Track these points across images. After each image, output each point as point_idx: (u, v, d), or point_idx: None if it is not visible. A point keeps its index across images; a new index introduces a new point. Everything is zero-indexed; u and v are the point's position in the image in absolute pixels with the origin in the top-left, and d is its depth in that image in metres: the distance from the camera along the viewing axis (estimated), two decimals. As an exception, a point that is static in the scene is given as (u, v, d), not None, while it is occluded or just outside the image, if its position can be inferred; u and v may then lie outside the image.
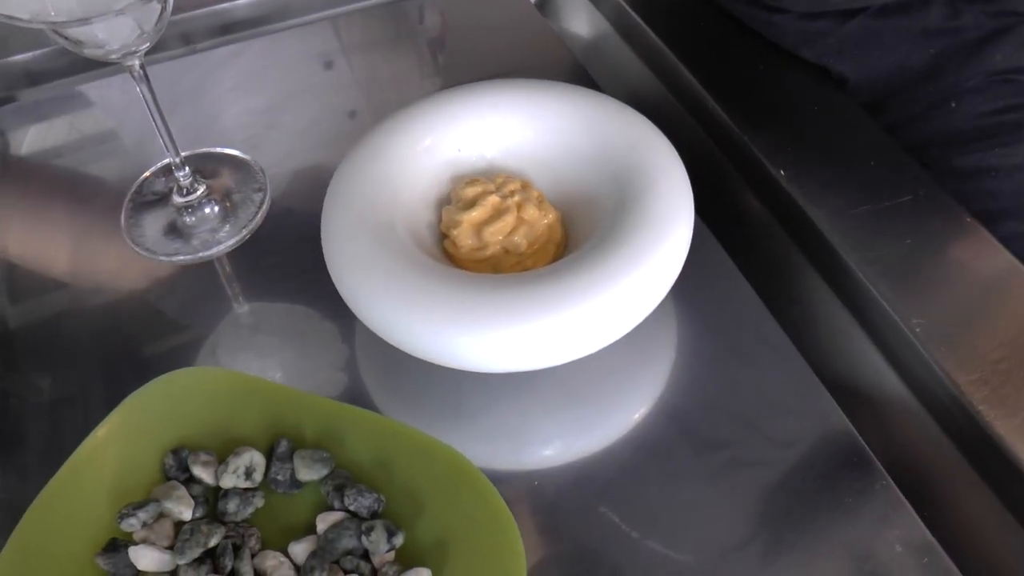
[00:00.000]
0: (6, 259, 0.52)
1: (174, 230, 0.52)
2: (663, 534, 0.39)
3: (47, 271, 0.51)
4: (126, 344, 0.47)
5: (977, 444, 0.41)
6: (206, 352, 0.46)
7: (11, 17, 0.37)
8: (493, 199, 0.43)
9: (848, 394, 0.45)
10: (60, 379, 0.46)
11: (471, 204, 0.43)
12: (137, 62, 0.44)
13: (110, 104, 0.61)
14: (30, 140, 0.59)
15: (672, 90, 0.62)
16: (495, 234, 0.42)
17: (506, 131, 0.47)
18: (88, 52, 0.42)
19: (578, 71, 0.62)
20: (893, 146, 0.53)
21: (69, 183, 0.56)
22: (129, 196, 0.54)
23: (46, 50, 0.66)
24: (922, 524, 0.38)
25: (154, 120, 0.48)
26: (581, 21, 0.74)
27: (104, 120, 0.60)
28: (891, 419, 0.46)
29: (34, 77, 0.67)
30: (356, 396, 0.44)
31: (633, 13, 0.66)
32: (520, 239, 0.42)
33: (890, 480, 0.40)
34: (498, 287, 0.39)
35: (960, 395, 0.41)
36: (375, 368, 0.45)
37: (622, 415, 0.44)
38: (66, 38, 0.41)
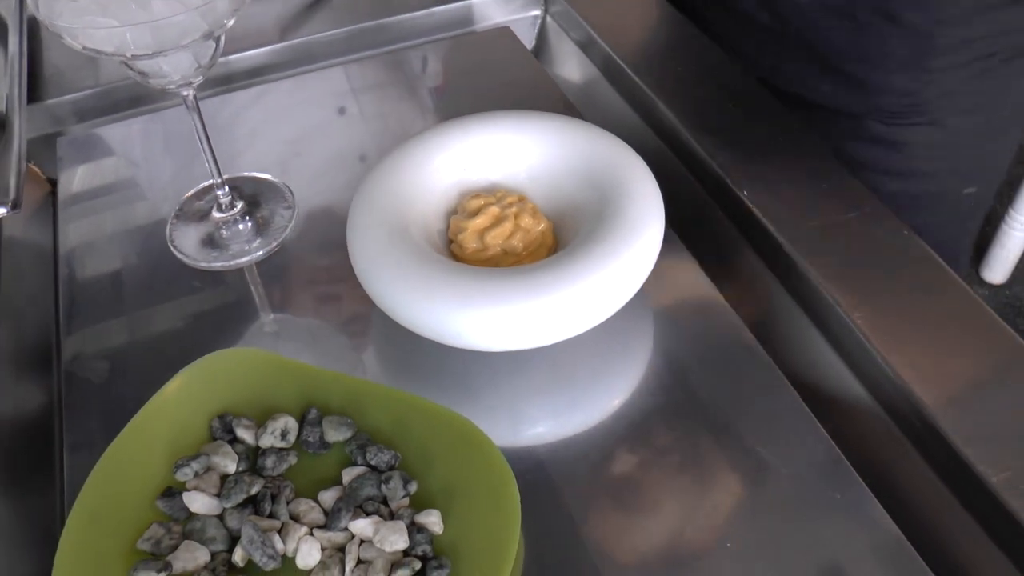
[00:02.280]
0: (69, 262, 0.59)
1: (212, 241, 0.59)
2: (634, 499, 0.45)
3: (103, 272, 0.58)
4: (172, 331, 0.54)
5: (908, 412, 0.47)
6: (244, 336, 0.53)
7: (98, 50, 0.45)
8: (494, 209, 0.50)
9: (800, 383, 0.52)
10: (117, 361, 0.52)
11: (475, 213, 0.51)
12: (191, 92, 0.52)
13: (151, 137, 0.69)
14: (83, 168, 0.66)
15: (651, 124, 0.69)
16: (495, 238, 0.50)
17: (505, 153, 0.54)
18: (153, 82, 0.50)
19: (570, 109, 0.70)
20: (843, 170, 0.60)
21: (119, 201, 0.64)
22: (174, 212, 0.61)
23: (92, 91, 0.74)
24: (889, 519, 0.44)
25: (201, 144, 0.56)
26: (572, 67, 0.82)
27: (146, 151, 0.68)
28: (840, 404, 0.52)
29: (81, 114, 0.75)
30: (374, 373, 0.51)
31: (619, 60, 0.74)
32: (517, 242, 0.50)
33: (847, 463, 0.47)
34: (495, 277, 0.46)
35: (895, 376, 0.48)
36: (390, 350, 0.52)
37: (604, 397, 0.50)
38: (137, 70, 0.48)
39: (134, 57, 0.46)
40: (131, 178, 0.66)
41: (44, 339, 0.62)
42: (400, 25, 0.80)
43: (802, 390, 0.50)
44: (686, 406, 0.49)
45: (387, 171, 0.52)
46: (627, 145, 0.53)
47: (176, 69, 0.49)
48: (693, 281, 0.56)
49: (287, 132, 0.69)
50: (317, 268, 0.58)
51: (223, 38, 0.50)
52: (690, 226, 0.60)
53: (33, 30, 0.79)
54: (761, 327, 0.54)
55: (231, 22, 0.48)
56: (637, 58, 0.73)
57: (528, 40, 0.84)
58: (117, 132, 0.70)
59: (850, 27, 0.67)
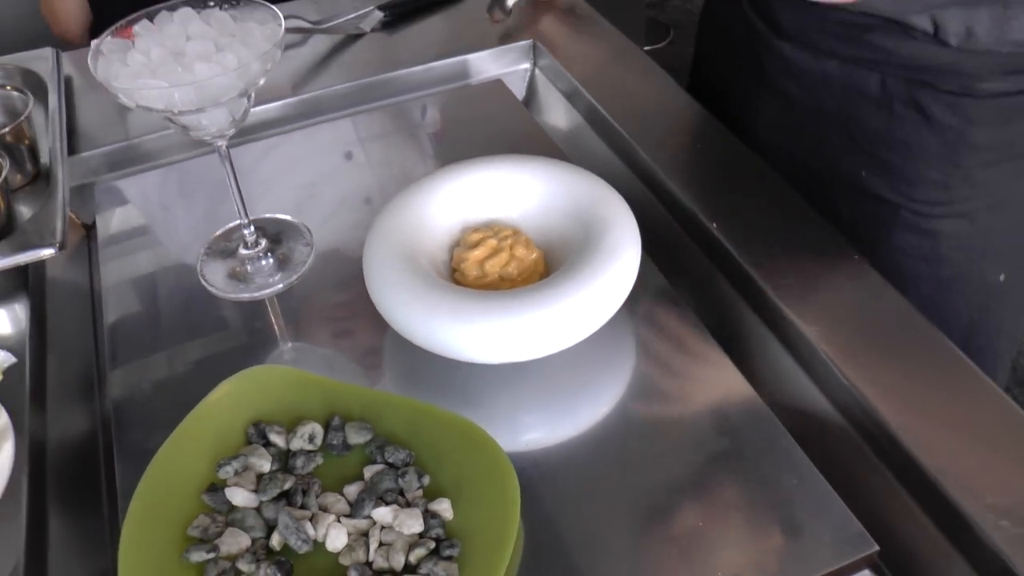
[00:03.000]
0: (111, 295, 0.66)
1: (238, 275, 0.66)
2: (618, 493, 0.52)
3: (142, 304, 0.65)
4: (205, 353, 0.61)
5: (855, 407, 0.54)
6: (270, 356, 0.60)
7: (150, 108, 0.53)
8: (491, 242, 0.58)
9: (762, 390, 0.58)
10: (158, 380, 0.59)
11: (475, 246, 0.58)
12: (224, 143, 0.59)
13: (177, 185, 0.76)
14: (119, 212, 0.74)
15: (630, 166, 0.77)
16: (494, 266, 0.57)
17: (500, 192, 0.62)
18: (192, 134, 0.57)
19: (557, 153, 0.77)
20: (801, 204, 0.68)
21: (152, 241, 0.71)
22: (203, 250, 0.68)
23: (121, 144, 0.81)
24: (847, 509, 0.50)
25: (231, 187, 0.63)
26: (559, 115, 0.90)
27: (173, 197, 0.75)
28: (797, 406, 0.59)
29: (112, 166, 0.82)
30: (387, 385, 0.58)
31: (601, 109, 0.82)
32: (512, 270, 0.57)
33: (792, 440, 0.53)
34: (494, 299, 0.53)
35: (842, 374, 0.55)
36: (401, 364, 0.59)
37: (591, 405, 0.57)
38: (180, 124, 0.56)
39: (180, 113, 0.54)
40: (162, 221, 0.73)
41: (87, 368, 0.68)
42: (402, 79, 0.88)
43: (764, 396, 0.57)
44: (663, 412, 0.56)
45: (397, 210, 0.59)
46: (608, 184, 0.61)
47: (214, 123, 0.56)
48: (669, 302, 0.63)
49: (301, 177, 0.76)
50: (333, 296, 0.65)
51: (253, 95, 0.57)
52: (666, 255, 0.67)
53: (68, 89, 0.87)
54: (729, 341, 0.61)
55: (262, 81, 0.55)
56: (618, 107, 0.81)
57: (519, 91, 0.92)
58: (147, 180, 0.77)
59: (886, 116, 0.69)
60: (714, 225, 0.66)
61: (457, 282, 0.58)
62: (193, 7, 0.58)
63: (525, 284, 0.57)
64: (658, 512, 0.50)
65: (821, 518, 0.49)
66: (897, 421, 0.52)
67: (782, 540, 0.48)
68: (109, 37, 0.56)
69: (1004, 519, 0.48)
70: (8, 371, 0.61)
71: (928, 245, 0.72)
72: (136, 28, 0.57)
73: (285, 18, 0.91)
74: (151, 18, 0.58)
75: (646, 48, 2.77)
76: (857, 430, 0.56)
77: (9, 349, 0.63)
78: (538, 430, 0.56)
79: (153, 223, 0.73)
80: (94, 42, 0.56)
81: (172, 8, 0.58)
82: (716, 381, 0.57)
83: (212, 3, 0.59)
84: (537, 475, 0.52)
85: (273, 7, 0.58)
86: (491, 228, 0.60)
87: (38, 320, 0.67)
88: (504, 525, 0.46)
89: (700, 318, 0.61)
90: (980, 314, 0.74)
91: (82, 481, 0.61)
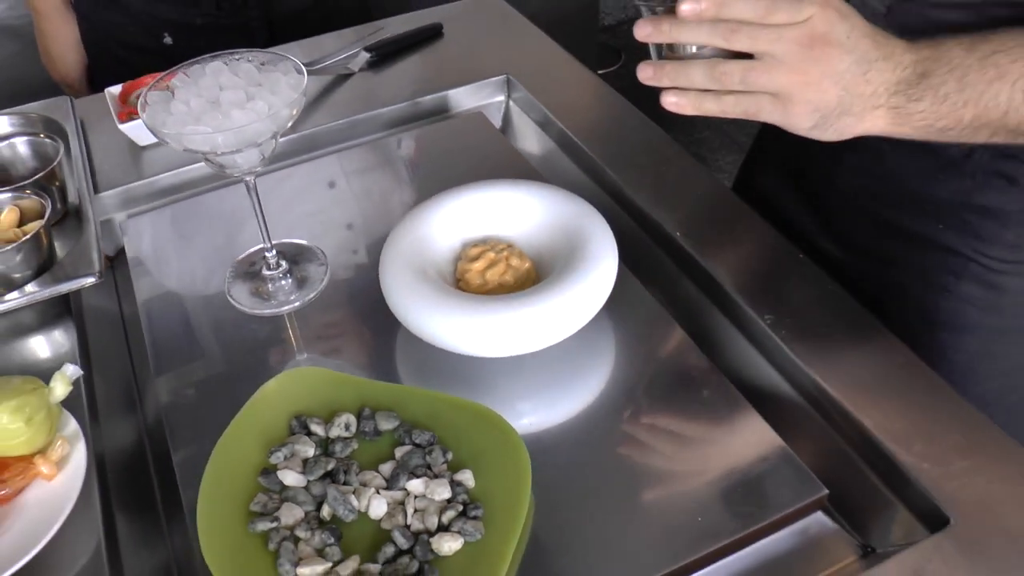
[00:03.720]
0: (149, 315, 0.74)
1: (261, 293, 0.75)
2: (607, 466, 0.61)
3: (177, 321, 0.73)
4: (238, 361, 0.69)
5: (807, 382, 0.65)
6: (298, 359, 0.69)
7: (195, 150, 0.61)
8: (490, 255, 0.67)
9: (729, 375, 0.68)
10: (200, 386, 0.67)
11: (476, 259, 0.68)
12: (252, 178, 0.68)
13: (196, 217, 0.84)
14: (147, 242, 0.82)
15: (599, 184, 0.87)
16: (493, 275, 0.66)
17: (495, 211, 0.72)
18: (227, 171, 0.66)
19: (536, 176, 0.87)
20: (754, 215, 0.78)
21: (180, 266, 0.79)
22: (229, 272, 0.76)
23: (137, 183, 0.89)
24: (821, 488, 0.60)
25: (257, 217, 0.71)
26: (533, 142, 1.00)
27: (194, 227, 0.83)
28: (759, 387, 0.69)
29: (129, 203, 0.90)
30: (403, 378, 0.67)
31: (571, 135, 0.92)
32: (509, 278, 0.67)
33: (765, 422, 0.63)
34: (494, 302, 0.63)
35: (794, 356, 0.65)
36: (415, 360, 0.68)
37: (579, 393, 0.66)
38: (217, 163, 0.64)
39: (220, 154, 0.63)
40: (184, 248, 0.81)
41: (126, 383, 0.76)
42: (389, 115, 0.98)
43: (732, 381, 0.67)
44: (640, 393, 0.65)
45: (405, 230, 0.69)
46: (587, 202, 0.71)
47: (247, 161, 0.65)
48: (644, 303, 0.72)
49: (305, 206, 0.85)
50: (347, 307, 0.73)
51: (279, 136, 0.66)
52: (638, 263, 0.77)
53: (84, 133, 0.94)
54: (694, 328, 0.71)
55: (289, 124, 0.64)
56: (586, 132, 0.92)
57: (496, 121, 1.02)
58: (166, 215, 0.85)
59: (969, 182, 0.71)
60: (678, 233, 0.77)
61: (462, 290, 0.67)
62: (223, 60, 0.67)
63: (519, 290, 0.67)
64: (639, 473, 0.60)
65: (778, 470, 0.59)
66: (841, 391, 0.63)
67: (745, 489, 0.58)
68: (150, 90, 0.65)
69: (926, 463, 0.58)
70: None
71: (992, 297, 0.75)
72: (174, 81, 0.66)
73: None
74: (186, 71, 0.66)
75: (599, 72, 2.90)
76: (808, 400, 0.66)
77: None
78: (534, 414, 0.65)
79: (177, 251, 0.81)
80: (141, 95, 0.64)
81: (204, 62, 0.67)
82: (684, 364, 0.67)
83: (238, 56, 0.67)
84: (536, 450, 0.61)
85: (294, 59, 0.67)
86: (488, 243, 0.69)
87: (83, 342, 0.75)
88: (518, 488, 0.56)
89: (668, 311, 0.71)
90: None
91: (137, 482, 0.69)
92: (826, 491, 0.58)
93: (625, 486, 0.59)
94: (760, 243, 0.76)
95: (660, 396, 0.65)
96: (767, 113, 0.55)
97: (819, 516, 0.59)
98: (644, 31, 0.56)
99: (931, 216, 0.75)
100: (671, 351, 0.69)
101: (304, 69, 0.66)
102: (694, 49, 0.57)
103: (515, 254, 0.68)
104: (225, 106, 0.63)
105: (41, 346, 0.75)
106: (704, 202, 0.80)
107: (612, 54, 3.05)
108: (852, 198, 0.80)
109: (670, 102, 0.57)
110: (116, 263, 0.86)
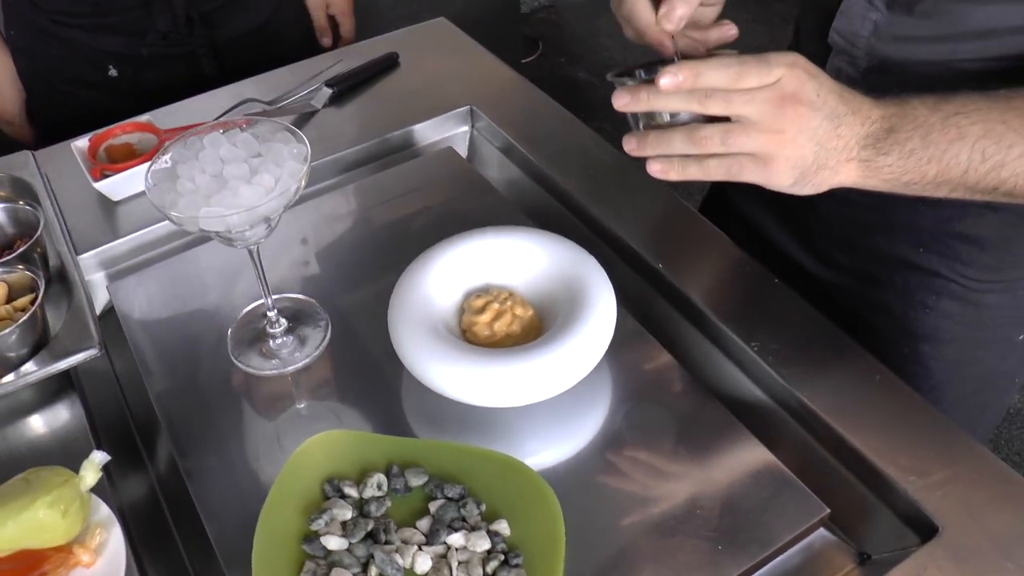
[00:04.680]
0: (154, 381, 0.75)
1: (265, 352, 0.76)
2: (611, 491, 0.65)
3: (184, 383, 0.74)
4: (249, 421, 0.71)
5: (795, 403, 0.70)
6: (313, 417, 0.71)
7: (209, 231, 0.63)
8: (495, 306, 0.71)
9: (718, 396, 0.73)
10: (221, 456, 0.69)
11: (481, 310, 0.71)
12: (257, 247, 0.70)
13: (182, 276, 0.84)
14: (137, 304, 0.82)
15: (560, 201, 0.92)
16: (501, 327, 0.70)
17: (495, 259, 0.75)
18: (236, 244, 0.67)
19: (514, 212, 0.90)
20: (727, 240, 0.83)
21: (177, 327, 0.80)
22: (231, 330, 0.78)
23: (114, 243, 0.88)
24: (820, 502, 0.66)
25: (259, 280, 0.73)
26: (498, 169, 1.03)
27: (182, 286, 0.84)
28: (744, 403, 0.74)
29: (108, 263, 0.89)
30: (419, 430, 0.70)
31: (532, 158, 0.96)
32: (516, 328, 0.70)
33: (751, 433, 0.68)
34: (508, 355, 0.66)
35: (782, 379, 0.71)
36: (423, 411, 0.71)
37: (581, 434, 0.70)
38: (225, 237, 0.66)
39: (233, 232, 0.64)
40: (180, 308, 0.82)
41: (129, 438, 0.77)
42: (358, 153, 0.99)
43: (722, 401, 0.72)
44: (642, 427, 0.70)
45: (409, 284, 0.72)
46: (582, 248, 0.74)
47: (255, 234, 0.66)
48: (634, 333, 0.77)
49: (289, 255, 0.86)
50: (351, 361, 0.76)
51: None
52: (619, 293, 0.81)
53: (52, 189, 0.93)
54: (683, 356, 0.75)
55: (295, 199, 0.66)
56: (550, 158, 0.95)
57: (462, 151, 1.04)
58: (156, 273, 0.85)
59: (949, 209, 0.73)
60: (660, 265, 0.81)
61: (470, 341, 0.71)
62: (219, 131, 0.68)
63: (525, 338, 0.70)
64: (651, 507, 0.64)
65: (782, 494, 0.64)
66: (828, 412, 0.69)
67: (755, 516, 0.63)
68: (152, 168, 0.65)
69: (911, 475, 0.65)
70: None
71: (971, 312, 0.80)
72: (172, 154, 0.67)
73: (243, 101, 1.01)
74: (183, 143, 0.67)
75: (523, 62, 2.93)
76: (796, 419, 0.72)
77: (77, 438, 0.72)
78: (544, 452, 0.69)
79: (171, 311, 0.81)
80: (146, 176, 0.65)
81: (201, 133, 0.68)
82: (683, 395, 0.72)
83: (233, 125, 0.69)
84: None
85: (291, 126, 0.68)
86: (490, 292, 0.72)
87: (88, 409, 0.76)
88: (553, 532, 0.60)
89: (656, 338, 0.76)
90: (998, 363, 0.86)
91: (159, 536, 0.70)
92: (828, 511, 0.63)
93: (640, 520, 0.64)
94: (736, 269, 0.81)
95: (661, 427, 0.69)
96: (749, 172, 0.58)
97: (820, 530, 0.65)
98: (622, 101, 0.59)
99: (912, 240, 0.79)
100: (667, 382, 0.73)
101: (305, 138, 0.67)
102: (668, 116, 0.61)
103: (518, 303, 0.72)
104: (232, 182, 0.65)
105: (46, 422, 0.75)
106: (685, 236, 0.85)
107: (530, 44, 3.08)
108: (834, 223, 0.84)
109: (655, 169, 0.60)
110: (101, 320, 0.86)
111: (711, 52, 0.67)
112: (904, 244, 0.80)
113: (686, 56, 0.64)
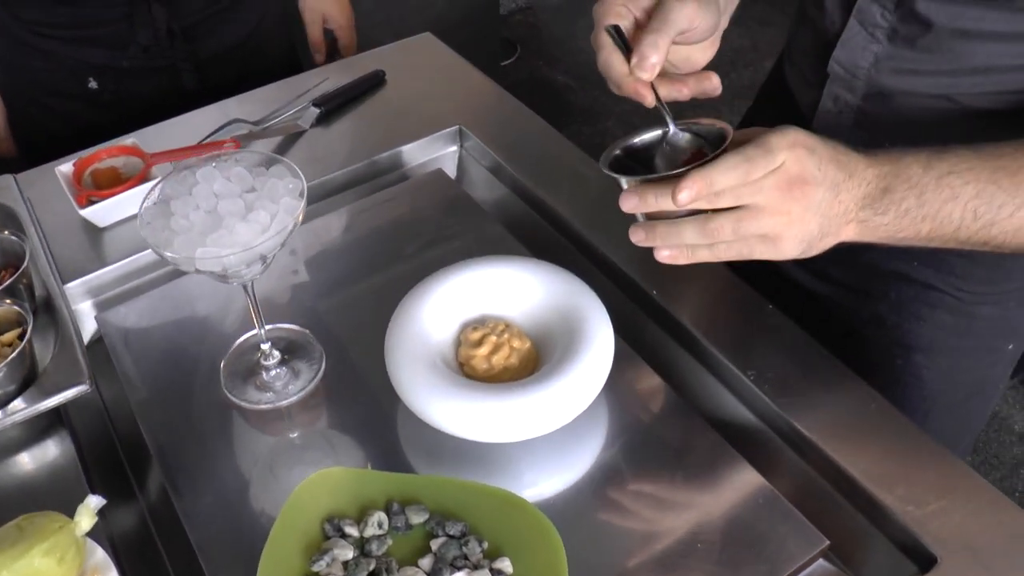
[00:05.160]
0: (146, 416, 0.74)
1: (259, 385, 0.75)
2: (613, 520, 0.66)
3: (175, 417, 0.74)
4: (243, 453, 0.70)
5: (792, 432, 0.71)
6: (308, 452, 0.70)
7: (205, 271, 0.62)
8: (492, 339, 0.70)
9: (710, 420, 0.74)
10: (215, 492, 0.68)
11: (479, 343, 0.70)
12: (252, 282, 0.69)
13: (170, 306, 0.83)
14: (126, 336, 0.81)
15: (553, 225, 0.92)
16: (499, 360, 0.70)
17: (491, 290, 0.75)
18: (231, 281, 0.66)
19: (491, 224, 0.90)
20: (723, 267, 0.83)
21: (167, 359, 0.79)
22: (224, 363, 0.77)
23: (100, 271, 0.87)
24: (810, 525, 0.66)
25: (254, 313, 0.72)
26: (487, 189, 1.03)
27: (170, 317, 0.82)
28: (737, 427, 0.75)
29: (95, 292, 0.88)
30: (416, 464, 0.69)
31: (522, 180, 0.95)
32: (514, 361, 0.70)
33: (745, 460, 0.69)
34: (508, 390, 0.66)
35: (778, 408, 0.71)
36: (420, 442, 0.70)
37: (580, 464, 0.70)
38: (220, 276, 0.65)
39: (234, 272, 0.63)
40: (169, 339, 0.81)
41: (120, 475, 0.76)
42: (345, 176, 0.99)
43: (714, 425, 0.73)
44: (640, 458, 0.70)
45: (406, 318, 0.71)
46: (578, 278, 0.74)
47: (251, 271, 0.66)
48: (630, 362, 0.77)
49: (280, 283, 0.85)
50: (345, 393, 0.75)
51: (281, 241, 0.67)
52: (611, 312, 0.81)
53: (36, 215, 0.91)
54: (678, 383, 0.76)
55: (292, 236, 0.65)
56: (538, 177, 0.95)
57: (451, 170, 1.04)
58: (144, 303, 0.83)
59: None
60: (654, 292, 0.81)
61: (468, 375, 0.70)
62: (212, 165, 0.67)
63: (524, 370, 0.70)
64: (648, 536, 0.65)
65: (782, 526, 0.65)
66: (826, 441, 0.69)
67: (757, 549, 0.64)
68: (145, 206, 0.64)
69: (908, 504, 0.65)
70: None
71: (963, 324, 0.82)
72: (165, 189, 0.66)
73: (229, 122, 1.00)
74: (175, 177, 0.66)
75: (502, 64, 2.92)
76: (792, 448, 0.72)
77: (68, 475, 0.71)
78: (543, 484, 0.69)
79: (161, 342, 0.80)
80: (140, 213, 0.64)
81: (193, 167, 0.67)
82: (679, 424, 0.72)
83: (226, 158, 0.68)
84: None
85: (284, 160, 0.68)
86: (486, 324, 0.72)
87: (79, 446, 0.75)
88: (556, 569, 0.59)
89: (651, 366, 0.76)
90: (987, 371, 0.88)
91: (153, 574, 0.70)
92: (827, 542, 0.64)
93: (642, 555, 0.64)
94: (730, 293, 0.82)
95: (659, 458, 0.70)
96: (759, 253, 0.60)
97: (819, 560, 0.65)
98: (630, 205, 0.60)
99: (906, 254, 0.79)
100: (663, 410, 0.73)
101: (300, 172, 0.67)
102: None
103: (515, 335, 0.71)
104: (227, 219, 0.64)
105: (36, 459, 0.74)
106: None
107: (508, 47, 3.08)
108: None
109: (664, 256, 0.61)
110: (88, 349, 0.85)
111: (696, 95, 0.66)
112: (899, 258, 0.81)
113: (669, 104, 0.64)
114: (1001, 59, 0.66)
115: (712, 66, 0.68)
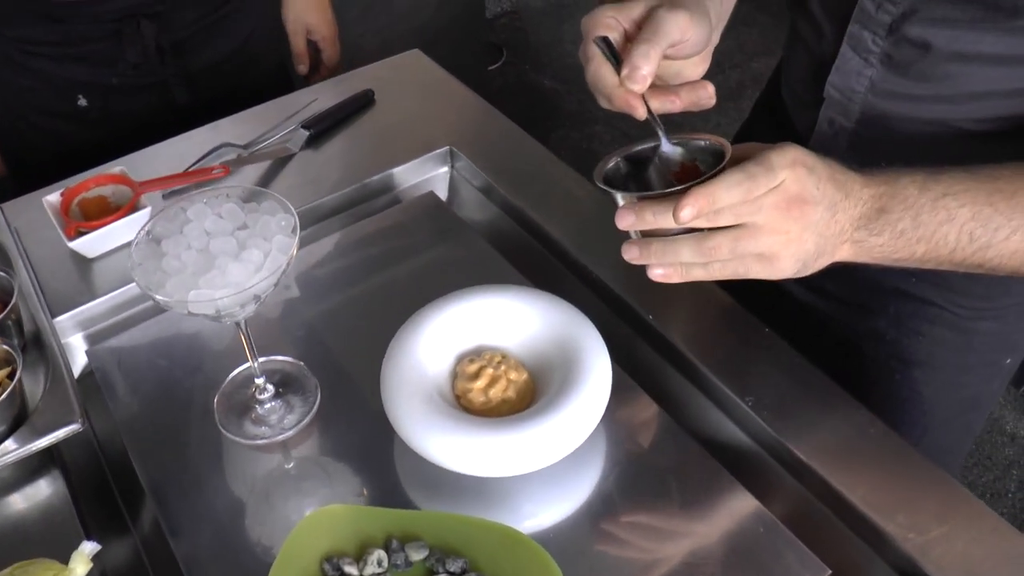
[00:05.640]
0: (139, 451, 0.73)
1: (254, 419, 0.75)
2: (611, 551, 0.65)
3: (167, 452, 0.73)
4: (237, 489, 0.70)
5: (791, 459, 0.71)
6: (305, 488, 0.70)
7: (199, 314, 0.61)
8: (489, 371, 0.70)
9: (702, 440, 0.73)
10: (211, 529, 0.67)
11: (476, 376, 0.70)
12: (244, 320, 0.68)
13: (162, 339, 0.82)
14: (119, 371, 0.80)
15: (545, 247, 0.91)
16: (496, 393, 0.69)
17: (487, 321, 0.74)
18: (223, 320, 0.65)
19: (485, 249, 0.89)
20: (718, 289, 0.83)
21: (160, 393, 0.78)
22: (217, 398, 0.76)
23: (91, 303, 0.86)
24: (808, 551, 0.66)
25: (247, 348, 0.71)
26: (478, 209, 1.02)
27: (160, 351, 0.82)
28: (732, 448, 0.74)
29: (84, 324, 0.87)
30: (406, 495, 0.69)
31: (514, 201, 0.95)
32: (512, 393, 0.69)
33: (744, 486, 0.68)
34: (507, 424, 0.65)
35: (776, 433, 0.71)
36: (418, 475, 0.70)
37: (579, 494, 0.70)
38: (214, 316, 0.64)
39: (227, 312, 0.62)
40: (163, 374, 0.80)
41: (114, 510, 0.76)
42: (337, 200, 0.98)
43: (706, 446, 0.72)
44: (638, 488, 0.69)
45: (401, 350, 0.71)
46: (574, 307, 0.74)
47: (244, 310, 0.65)
48: (628, 390, 0.76)
49: (271, 313, 0.84)
50: (342, 426, 0.74)
51: (274, 279, 0.66)
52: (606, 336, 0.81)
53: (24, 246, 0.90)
54: (674, 408, 0.76)
55: (285, 274, 0.64)
56: (530, 198, 0.95)
57: (442, 192, 1.03)
58: (136, 337, 0.83)
59: None
60: (650, 317, 0.81)
61: (464, 408, 0.70)
62: (203, 201, 0.66)
63: (522, 403, 0.70)
64: (648, 567, 0.64)
65: (783, 557, 0.65)
66: (827, 469, 0.69)
67: (759, 579, 0.63)
68: (136, 246, 0.64)
69: (910, 532, 0.65)
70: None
71: (962, 340, 0.82)
72: (156, 228, 0.65)
73: (218, 147, 0.99)
74: (166, 215, 0.65)
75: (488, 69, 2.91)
76: (792, 474, 0.72)
77: (61, 516, 0.70)
78: (542, 515, 0.69)
79: (153, 377, 0.79)
80: (131, 253, 0.63)
81: (185, 204, 0.66)
82: (676, 451, 0.72)
83: (217, 194, 0.67)
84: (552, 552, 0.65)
85: (276, 195, 0.67)
86: (483, 356, 0.72)
87: (71, 486, 0.74)
88: (558, 610, 0.59)
89: (647, 391, 0.75)
90: (984, 386, 0.89)
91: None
92: (829, 571, 0.64)
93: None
94: (726, 316, 0.81)
95: (658, 487, 0.69)
96: (755, 272, 0.59)
97: (821, 590, 0.65)
98: (627, 221, 0.59)
99: (904, 271, 0.78)
100: (660, 437, 0.73)
101: (292, 208, 0.66)
102: None
103: (512, 366, 0.71)
104: (220, 258, 0.63)
105: (27, 499, 0.73)
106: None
107: (494, 51, 3.07)
108: None
109: (658, 275, 0.60)
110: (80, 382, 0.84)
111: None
112: (897, 274, 0.79)
113: (662, 116, 0.62)
114: (999, 84, 0.66)
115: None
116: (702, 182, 0.55)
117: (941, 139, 0.70)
